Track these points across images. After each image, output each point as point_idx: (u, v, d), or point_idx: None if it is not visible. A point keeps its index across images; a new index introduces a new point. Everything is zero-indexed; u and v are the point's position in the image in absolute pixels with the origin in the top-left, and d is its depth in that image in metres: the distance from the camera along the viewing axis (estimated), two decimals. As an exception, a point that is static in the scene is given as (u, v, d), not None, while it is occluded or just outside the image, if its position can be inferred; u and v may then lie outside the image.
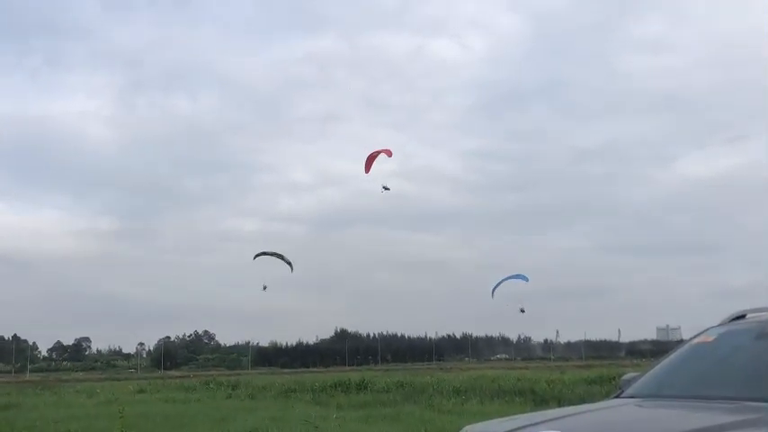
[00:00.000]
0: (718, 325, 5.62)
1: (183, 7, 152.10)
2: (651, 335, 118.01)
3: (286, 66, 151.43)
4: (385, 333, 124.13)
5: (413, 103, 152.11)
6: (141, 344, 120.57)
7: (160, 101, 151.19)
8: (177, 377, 62.77)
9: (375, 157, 35.30)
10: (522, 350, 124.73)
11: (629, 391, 5.36)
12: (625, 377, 5.79)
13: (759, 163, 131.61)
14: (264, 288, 46.10)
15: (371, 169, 35.34)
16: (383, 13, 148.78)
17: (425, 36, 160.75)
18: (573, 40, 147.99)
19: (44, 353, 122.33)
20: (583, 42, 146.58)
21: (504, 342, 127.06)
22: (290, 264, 43.44)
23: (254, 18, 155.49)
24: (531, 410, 18.77)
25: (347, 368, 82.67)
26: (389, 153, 35.76)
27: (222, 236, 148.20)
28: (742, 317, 5.67)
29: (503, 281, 46.68)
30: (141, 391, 37.49)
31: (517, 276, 47.12)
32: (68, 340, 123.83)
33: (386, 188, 37.31)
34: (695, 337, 5.68)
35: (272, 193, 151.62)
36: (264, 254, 43.37)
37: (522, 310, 49.68)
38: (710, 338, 5.43)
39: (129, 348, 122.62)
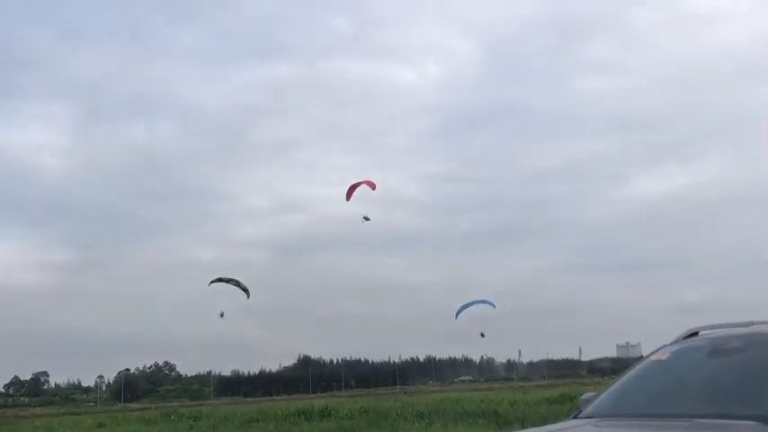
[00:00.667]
0: (672, 343, 5.71)
1: (140, 37, 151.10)
2: (611, 352, 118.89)
3: (243, 93, 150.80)
4: (349, 358, 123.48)
5: (371, 127, 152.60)
6: (100, 376, 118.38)
7: (117, 130, 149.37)
8: (138, 409, 61.67)
9: (356, 187, 35.60)
10: (485, 371, 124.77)
11: (587, 410, 5.40)
12: (583, 397, 5.84)
13: (711, 181, 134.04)
14: (222, 315, 45.41)
15: (352, 197, 35.58)
16: (340, 40, 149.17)
17: (382, 62, 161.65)
18: (527, 64, 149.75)
19: (0, 388, 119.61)
20: (536, 66, 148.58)
21: (467, 364, 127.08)
22: (246, 290, 42.89)
23: (211, 47, 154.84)
24: (495, 432, 18.82)
25: (311, 395, 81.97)
26: (373, 186, 35.98)
27: (181, 265, 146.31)
28: (695, 334, 5.77)
29: (469, 305, 46.71)
30: (101, 425, 36.79)
31: (483, 302, 47.22)
32: (25, 375, 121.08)
33: (366, 218, 37.42)
34: (650, 355, 5.76)
35: (230, 220, 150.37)
36: (220, 280, 42.84)
37: (483, 335, 49.81)
38: (665, 356, 5.51)
39: (89, 381, 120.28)
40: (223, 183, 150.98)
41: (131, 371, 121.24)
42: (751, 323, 5.70)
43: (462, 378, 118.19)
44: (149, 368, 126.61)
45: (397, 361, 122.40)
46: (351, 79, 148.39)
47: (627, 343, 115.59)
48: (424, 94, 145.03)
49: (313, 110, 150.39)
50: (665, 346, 5.69)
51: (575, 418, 5.45)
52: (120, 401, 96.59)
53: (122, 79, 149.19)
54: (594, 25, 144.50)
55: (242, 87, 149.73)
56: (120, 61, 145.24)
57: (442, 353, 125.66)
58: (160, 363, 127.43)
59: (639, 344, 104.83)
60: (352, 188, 35.68)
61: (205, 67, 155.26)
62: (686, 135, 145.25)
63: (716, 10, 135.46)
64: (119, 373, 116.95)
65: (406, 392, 69.50)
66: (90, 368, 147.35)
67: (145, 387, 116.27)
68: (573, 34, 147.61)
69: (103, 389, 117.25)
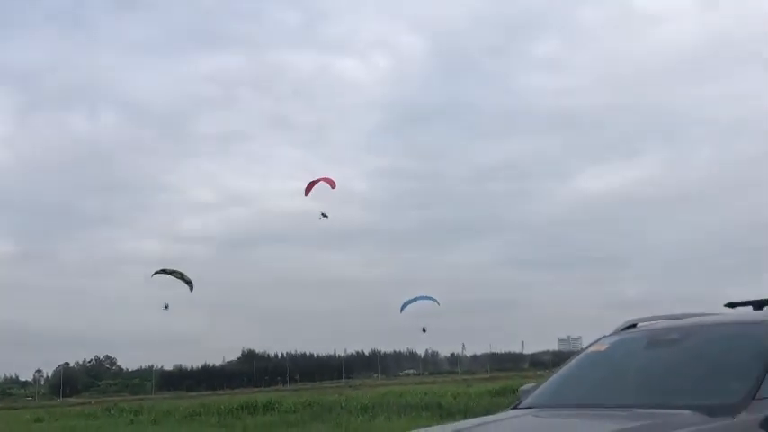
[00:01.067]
0: (611, 334, 5.77)
1: (83, 25, 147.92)
2: (553, 346, 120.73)
3: (188, 84, 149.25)
4: (293, 352, 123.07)
5: (318, 121, 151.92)
6: (39, 371, 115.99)
7: (58, 120, 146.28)
8: (77, 404, 60.54)
9: (316, 183, 35.53)
10: (429, 365, 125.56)
11: (526, 401, 5.43)
12: (523, 388, 5.87)
13: (652, 179, 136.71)
14: (167, 307, 44.72)
15: (310, 194, 35.51)
16: (287, 32, 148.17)
17: (330, 55, 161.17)
18: (473, 60, 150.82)
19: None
20: (483, 62, 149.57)
21: (411, 357, 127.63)
22: (189, 282, 42.31)
23: (156, 36, 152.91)
24: (436, 424, 18.91)
25: (255, 389, 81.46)
26: (333, 184, 35.88)
27: (122, 258, 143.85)
28: (633, 326, 5.85)
29: (413, 300, 47.22)
30: (39, 419, 36.08)
31: (428, 298, 47.82)
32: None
33: (324, 215, 37.47)
34: (589, 346, 5.82)
35: (174, 213, 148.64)
36: (164, 272, 42.18)
37: (424, 330, 50.59)
38: (603, 347, 5.57)
39: (27, 376, 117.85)
40: (166, 175, 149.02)
41: (71, 365, 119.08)
42: (686, 315, 5.80)
43: (407, 371, 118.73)
44: (89, 362, 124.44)
45: (342, 355, 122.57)
46: (298, 72, 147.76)
47: (568, 336, 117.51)
48: (372, 89, 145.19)
49: (259, 102, 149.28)
50: (603, 337, 5.75)
51: (514, 408, 5.47)
52: (60, 396, 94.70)
53: (63, 68, 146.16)
54: (541, 23, 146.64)
55: (186, 78, 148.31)
56: (60, 49, 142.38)
57: (387, 347, 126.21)
58: (101, 357, 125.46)
59: (580, 337, 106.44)
60: (312, 184, 35.63)
61: (149, 56, 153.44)
62: (629, 134, 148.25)
63: (661, 10, 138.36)
64: (58, 367, 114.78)
65: (350, 386, 69.51)
66: (28, 362, 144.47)
67: (85, 381, 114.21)
68: (519, 31, 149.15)
69: (42, 383, 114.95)
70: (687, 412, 4.14)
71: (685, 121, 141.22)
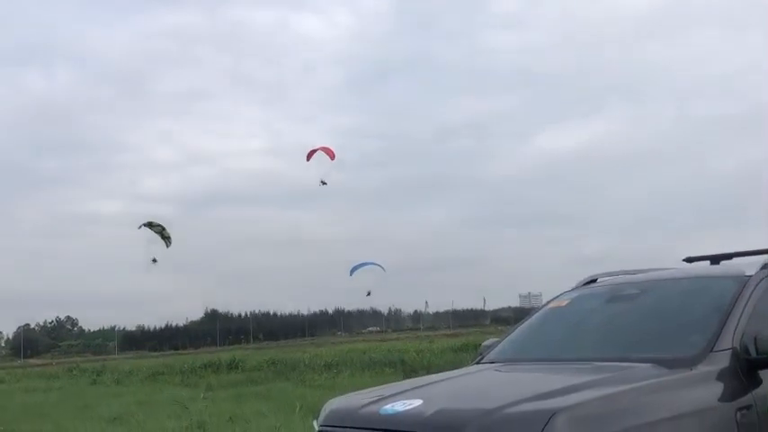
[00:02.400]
0: (572, 290, 5.82)
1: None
2: (514, 302, 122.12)
3: (146, 40, 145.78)
4: (257, 312, 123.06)
5: (280, 79, 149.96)
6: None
7: (11, 77, 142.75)
8: (39, 365, 60.15)
9: (314, 152, 35.44)
10: (392, 322, 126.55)
11: (488, 356, 5.49)
12: (485, 343, 5.91)
13: (612, 137, 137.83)
14: (154, 261, 44.16)
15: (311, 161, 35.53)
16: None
17: (290, 10, 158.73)
18: (436, 17, 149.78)
19: None
20: (446, 18, 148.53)
21: (375, 315, 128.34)
22: (168, 239, 41.80)
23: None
24: (401, 380, 19.11)
25: (218, 348, 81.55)
26: (332, 154, 35.81)
27: (82, 218, 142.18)
28: (593, 281, 5.91)
29: (362, 265, 48.08)
30: (0, 381, 35.79)
31: (375, 264, 48.79)
32: None
33: (324, 183, 37.65)
34: (550, 301, 5.87)
35: (134, 172, 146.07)
36: (150, 225, 41.60)
37: (369, 293, 51.66)
38: (564, 303, 5.62)
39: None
40: (125, 134, 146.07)
41: (31, 326, 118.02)
42: (645, 270, 5.88)
43: (370, 329, 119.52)
44: (50, 323, 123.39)
45: (305, 314, 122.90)
46: (258, 28, 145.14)
47: (529, 293, 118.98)
48: (334, 46, 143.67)
49: (219, 59, 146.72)
50: (564, 292, 5.80)
51: (476, 363, 5.52)
52: (20, 357, 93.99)
53: (16, 22, 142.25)
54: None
55: (144, 34, 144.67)
56: (12, 2, 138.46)
57: (350, 305, 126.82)
58: (62, 318, 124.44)
59: (541, 294, 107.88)
60: (312, 152, 35.61)
61: (105, 11, 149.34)
62: (590, 92, 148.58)
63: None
64: (18, 328, 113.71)
65: (314, 344, 69.84)
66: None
67: (46, 342, 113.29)
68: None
69: (2, 344, 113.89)
70: (647, 365, 4.21)
71: (644, 80, 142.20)
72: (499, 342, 5.70)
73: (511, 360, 5.16)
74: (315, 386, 20.76)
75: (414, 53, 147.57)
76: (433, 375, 5.36)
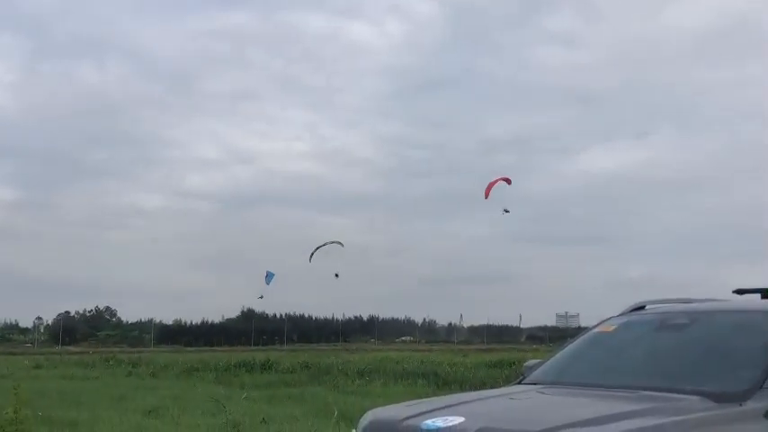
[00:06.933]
0: (619, 315, 5.76)
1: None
2: (551, 321, 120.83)
3: (199, 39, 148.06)
4: (292, 314, 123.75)
5: (328, 84, 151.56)
6: (39, 318, 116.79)
7: (66, 69, 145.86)
8: (76, 353, 61.13)
9: (494, 184, 35.89)
10: (426, 333, 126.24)
11: (531, 377, 5.45)
12: (527, 363, 5.88)
13: (660, 159, 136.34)
14: (336, 276, 46.32)
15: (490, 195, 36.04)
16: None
17: (343, 18, 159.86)
18: (488, 31, 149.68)
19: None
20: (497, 33, 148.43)
21: (409, 324, 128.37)
22: (338, 242, 44.01)
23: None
24: (434, 393, 19.05)
25: (252, 348, 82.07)
26: (509, 181, 36.47)
27: (126, 210, 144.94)
28: (641, 308, 5.84)
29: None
30: (38, 366, 36.43)
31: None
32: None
33: (506, 211, 38.40)
34: (596, 326, 5.81)
35: (179, 168, 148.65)
36: (318, 249, 43.59)
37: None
38: (611, 328, 5.56)
39: (27, 323, 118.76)
40: (172, 130, 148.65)
41: (71, 314, 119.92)
42: (695, 300, 5.80)
43: (403, 338, 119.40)
44: (90, 312, 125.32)
45: (340, 318, 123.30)
46: (310, 34, 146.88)
47: (566, 313, 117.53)
48: (384, 55, 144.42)
49: (269, 62, 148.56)
50: (611, 317, 5.75)
51: (519, 383, 5.49)
52: (59, 344, 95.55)
53: (74, 16, 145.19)
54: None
55: (197, 34, 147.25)
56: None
57: (384, 313, 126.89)
58: (101, 307, 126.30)
59: (578, 314, 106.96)
60: (491, 185, 36.02)
61: (160, 10, 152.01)
62: (640, 113, 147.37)
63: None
64: (58, 315, 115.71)
65: (347, 350, 69.98)
66: (28, 309, 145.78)
67: (84, 331, 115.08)
68: (536, 4, 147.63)
69: (42, 330, 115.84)
70: (694, 397, 4.15)
71: (696, 104, 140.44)
72: (542, 363, 5.66)
73: (554, 383, 5.10)
74: (347, 392, 20.79)
75: (463, 65, 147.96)
76: (474, 393, 5.35)
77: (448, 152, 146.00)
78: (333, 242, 47.52)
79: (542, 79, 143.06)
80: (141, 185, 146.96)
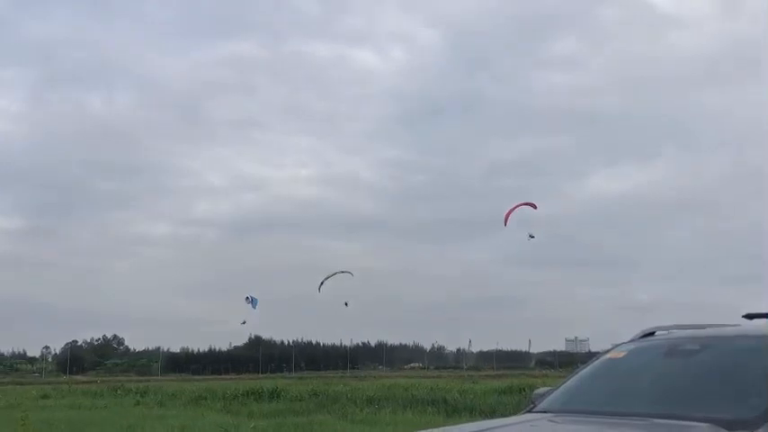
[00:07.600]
0: (629, 341, 5.75)
1: (102, 3, 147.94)
2: (560, 346, 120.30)
3: (206, 68, 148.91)
4: (300, 340, 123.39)
5: (333, 110, 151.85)
6: (46, 347, 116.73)
7: (74, 98, 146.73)
8: (83, 382, 60.95)
9: (515, 209, 35.92)
10: (435, 359, 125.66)
11: (541, 405, 5.42)
12: (537, 391, 5.85)
13: (666, 182, 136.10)
14: (346, 304, 46.86)
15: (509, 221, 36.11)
16: (306, 21, 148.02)
17: (347, 45, 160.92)
18: (490, 56, 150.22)
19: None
20: (499, 58, 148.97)
21: (417, 350, 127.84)
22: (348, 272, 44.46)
23: (175, 19, 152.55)
24: (444, 420, 18.93)
25: (260, 375, 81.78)
26: (534, 206, 36.55)
27: (134, 239, 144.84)
28: (651, 334, 5.82)
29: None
30: (45, 396, 36.32)
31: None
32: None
33: (531, 236, 38.44)
34: (606, 352, 5.79)
35: (187, 196, 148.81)
36: (327, 278, 44.12)
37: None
38: (621, 354, 5.54)
39: (34, 352, 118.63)
40: (179, 158, 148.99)
41: (78, 343, 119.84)
42: (705, 325, 5.78)
43: (412, 365, 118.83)
44: (97, 341, 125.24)
45: (348, 345, 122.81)
46: (314, 61, 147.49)
47: (576, 338, 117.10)
48: (387, 81, 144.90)
49: (275, 90, 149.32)
50: (621, 344, 5.73)
51: (528, 412, 5.46)
52: (66, 373, 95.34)
53: (80, 46, 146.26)
54: (559, 20, 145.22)
55: (204, 62, 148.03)
56: (78, 27, 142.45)
57: (392, 339, 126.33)
58: (108, 336, 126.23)
59: (588, 339, 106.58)
60: (510, 212, 36.01)
61: (168, 38, 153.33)
62: (644, 136, 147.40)
63: (682, 13, 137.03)
64: (65, 344, 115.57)
65: (355, 377, 69.66)
66: (36, 338, 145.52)
67: (92, 360, 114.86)
68: (537, 28, 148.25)
69: (49, 360, 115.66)
70: (705, 425, 4.13)
71: (701, 126, 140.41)
72: (552, 391, 5.63)
73: (565, 411, 5.08)
74: (356, 421, 20.66)
75: (465, 91, 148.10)
76: (486, 422, 5.32)
77: (451, 177, 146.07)
78: (342, 272, 47.76)
79: (545, 103, 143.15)
80: (150, 214, 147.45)
